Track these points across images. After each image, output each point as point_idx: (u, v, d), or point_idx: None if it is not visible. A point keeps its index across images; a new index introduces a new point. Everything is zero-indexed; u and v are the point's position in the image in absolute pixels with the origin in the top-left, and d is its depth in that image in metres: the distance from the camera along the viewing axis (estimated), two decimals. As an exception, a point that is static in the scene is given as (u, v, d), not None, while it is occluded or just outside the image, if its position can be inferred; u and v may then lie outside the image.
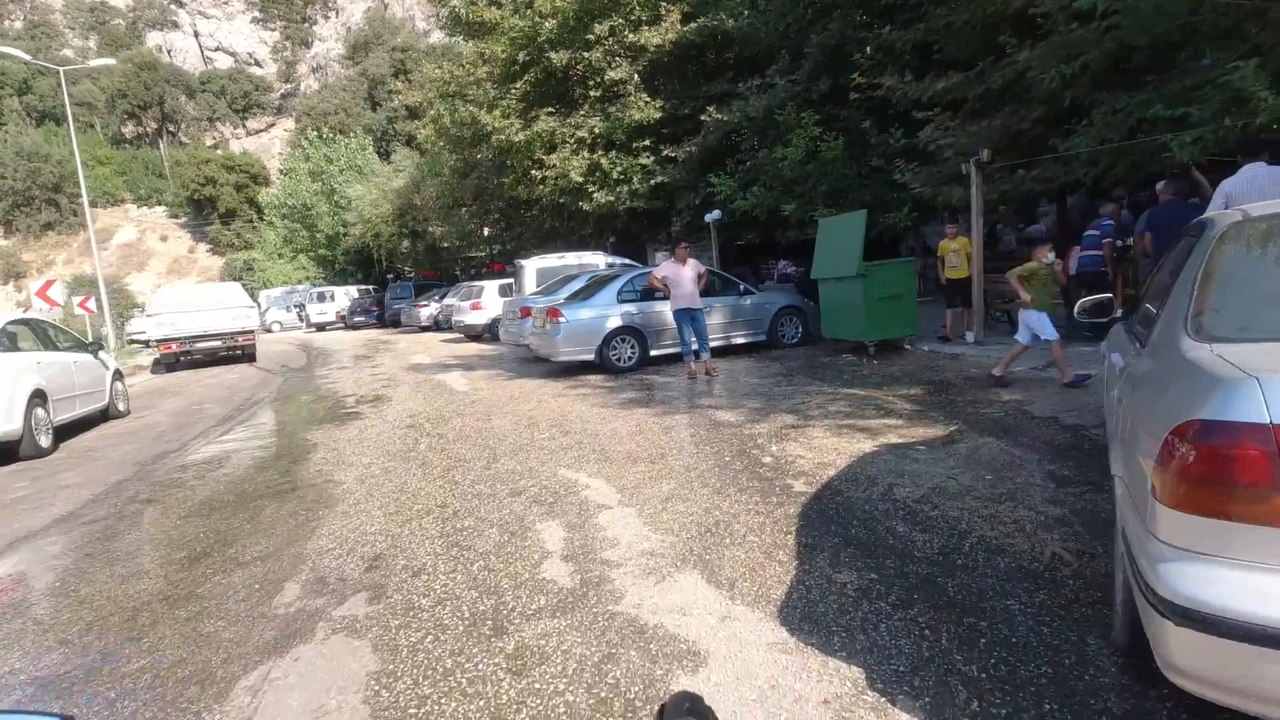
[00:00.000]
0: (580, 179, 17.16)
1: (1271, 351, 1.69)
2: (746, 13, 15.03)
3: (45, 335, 8.67)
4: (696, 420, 6.45)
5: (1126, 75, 8.60)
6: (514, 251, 23.73)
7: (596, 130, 17.01)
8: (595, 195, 17.22)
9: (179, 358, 17.58)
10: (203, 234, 62.74)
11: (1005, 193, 9.82)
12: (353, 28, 69.51)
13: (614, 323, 9.87)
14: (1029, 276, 6.36)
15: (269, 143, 70.99)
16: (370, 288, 37.53)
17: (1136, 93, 7.75)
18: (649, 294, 9.77)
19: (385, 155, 46.56)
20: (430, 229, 31.52)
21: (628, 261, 15.46)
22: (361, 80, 61.26)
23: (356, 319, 31.68)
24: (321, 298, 35.22)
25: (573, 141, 17.28)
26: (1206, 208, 7.25)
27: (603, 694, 2.37)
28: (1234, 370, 1.59)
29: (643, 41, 15.99)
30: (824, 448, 5.07)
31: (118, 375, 10.30)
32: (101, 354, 10.04)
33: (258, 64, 76.29)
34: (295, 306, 38.71)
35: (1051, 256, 6.22)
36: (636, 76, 16.86)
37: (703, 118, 15.14)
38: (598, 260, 15.16)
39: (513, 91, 18.15)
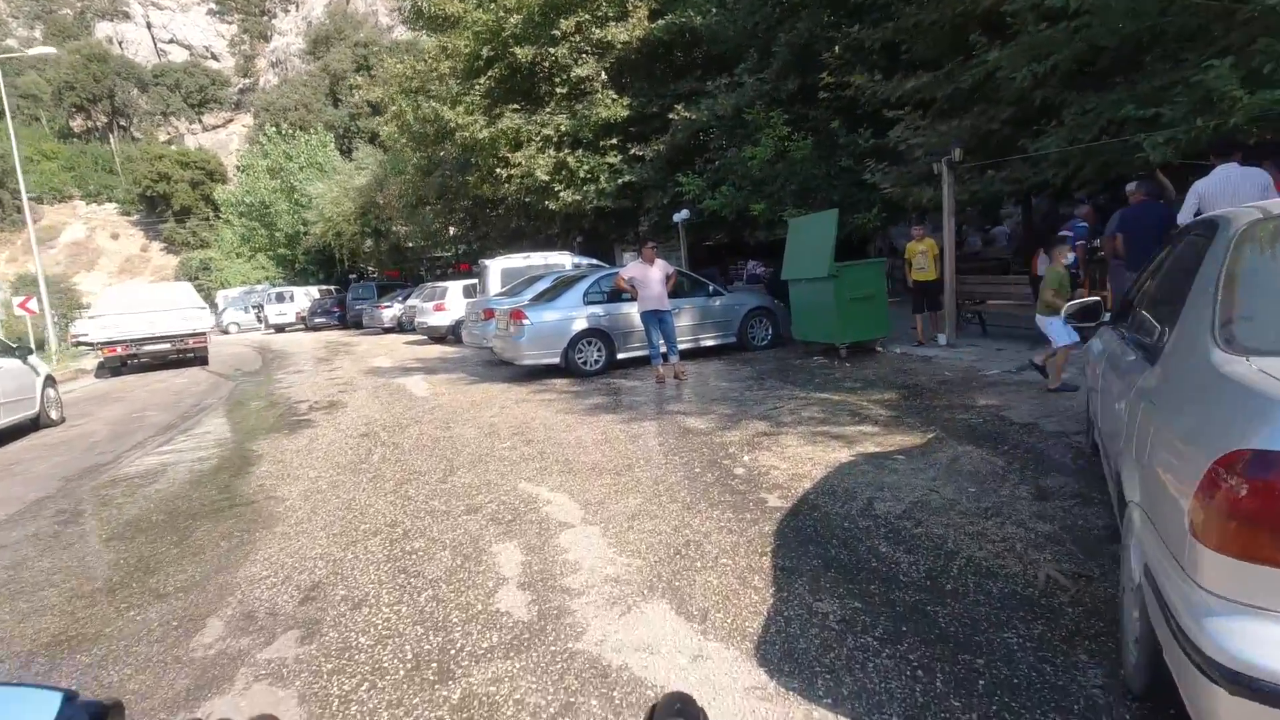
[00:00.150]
0: (546, 178, 16.81)
1: (1322, 366, 1.48)
2: (714, 10, 14.84)
3: (-36, 339, 8.06)
4: (665, 428, 6.18)
5: (1094, 77, 8.59)
6: (480, 251, 23.26)
7: (563, 128, 16.67)
8: (562, 194, 16.88)
9: (125, 361, 16.79)
10: (156, 232, 60.72)
11: (975, 193, 9.75)
12: (314, 22, 67.93)
13: (580, 325, 9.56)
14: (1059, 286, 6.08)
15: (226, 139, 69.05)
16: (332, 288, 36.60)
17: (1106, 93, 7.71)
18: (616, 295, 9.49)
19: (347, 152, 45.50)
20: (394, 228, 30.86)
21: (595, 262, 15.15)
22: (323, 76, 59.87)
23: (317, 320, 30.85)
24: (280, 298, 34.19)
25: (539, 139, 16.91)
26: (1173, 209, 7.24)
27: (559, 754, 2.08)
28: (1288, 390, 1.37)
29: (610, 38, 15.70)
30: (798, 458, 4.84)
31: (50, 381, 9.67)
32: (31, 358, 9.42)
33: (214, 58, 74.14)
34: (253, 307, 37.55)
35: (1071, 257, 5.97)
36: (604, 74, 16.56)
37: (671, 116, 14.90)
38: (564, 260, 14.82)
39: (477, 87, 17.71)
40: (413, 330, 19.66)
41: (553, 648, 2.67)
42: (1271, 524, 1.30)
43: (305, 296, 34.07)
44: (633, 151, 16.08)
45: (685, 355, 9.64)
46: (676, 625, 2.76)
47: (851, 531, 3.49)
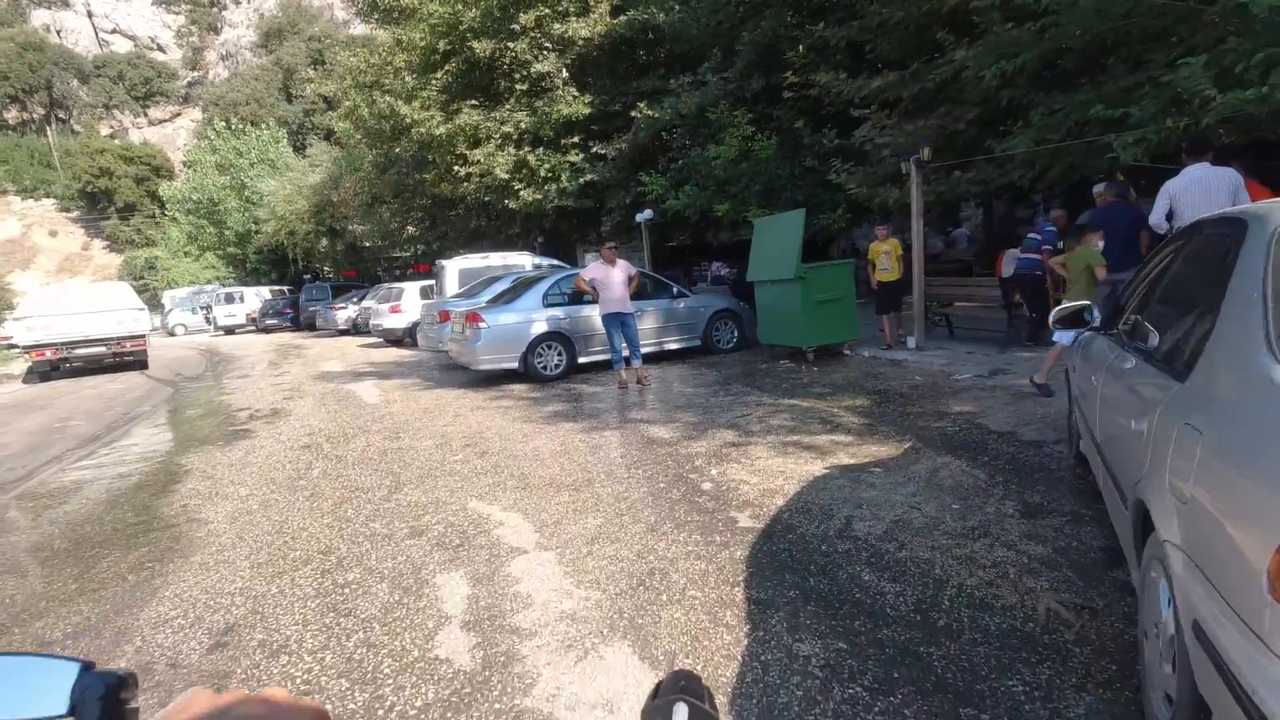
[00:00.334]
0: (506, 176, 16.36)
1: None
2: (677, 7, 14.58)
3: None
4: (628, 437, 5.85)
5: (1058, 78, 8.54)
6: (439, 251, 22.65)
7: (523, 125, 16.24)
8: (522, 193, 16.45)
9: (57, 366, 15.81)
10: (98, 229, 58.18)
11: (941, 194, 9.65)
12: (266, 14, 65.86)
13: (539, 328, 9.17)
14: (1080, 261, 5.68)
15: (173, 133, 66.56)
16: (285, 288, 35.42)
17: (1073, 94, 7.63)
18: (577, 297, 9.13)
19: (301, 149, 44.13)
20: (350, 227, 29.95)
21: (556, 262, 14.77)
22: (275, 70, 58.06)
23: (269, 322, 29.80)
24: (230, 299, 32.97)
25: (498, 137, 16.45)
26: (1142, 210, 7.18)
27: None
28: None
29: (570, 33, 15.33)
30: (769, 470, 4.55)
31: (-38, 389, 8.91)
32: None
33: (160, 49, 71.40)
34: (202, 308, 36.12)
35: (1101, 244, 5.66)
36: (565, 70, 16.17)
37: (633, 115, 14.60)
38: (524, 261, 14.39)
39: (433, 82, 17.17)
40: (368, 333, 18.98)
41: (497, 705, 2.32)
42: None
43: (256, 297, 32.90)
44: (595, 150, 15.73)
45: (649, 359, 9.33)
46: (640, 674, 2.43)
47: (830, 556, 3.21)
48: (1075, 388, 3.76)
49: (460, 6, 15.90)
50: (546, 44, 16.08)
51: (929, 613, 2.64)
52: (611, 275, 8.03)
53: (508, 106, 16.59)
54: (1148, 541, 1.96)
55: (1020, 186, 9.06)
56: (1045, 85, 8.45)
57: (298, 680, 2.57)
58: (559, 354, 9.30)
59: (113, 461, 6.70)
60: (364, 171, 24.45)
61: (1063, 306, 3.45)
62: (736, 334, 10.45)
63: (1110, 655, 2.27)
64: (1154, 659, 1.85)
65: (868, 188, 10.51)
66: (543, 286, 9.54)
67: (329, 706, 2.38)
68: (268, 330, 29.41)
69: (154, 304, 48.03)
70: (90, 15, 69.49)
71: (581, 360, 9.43)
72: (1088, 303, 3.41)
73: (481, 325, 9.01)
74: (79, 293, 17.26)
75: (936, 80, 8.81)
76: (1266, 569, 1.19)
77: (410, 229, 26.29)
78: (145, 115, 68.37)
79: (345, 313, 22.71)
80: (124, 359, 16.28)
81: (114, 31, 70.37)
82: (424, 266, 26.52)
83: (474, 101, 16.79)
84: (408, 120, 16.99)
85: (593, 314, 8.88)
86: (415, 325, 15.59)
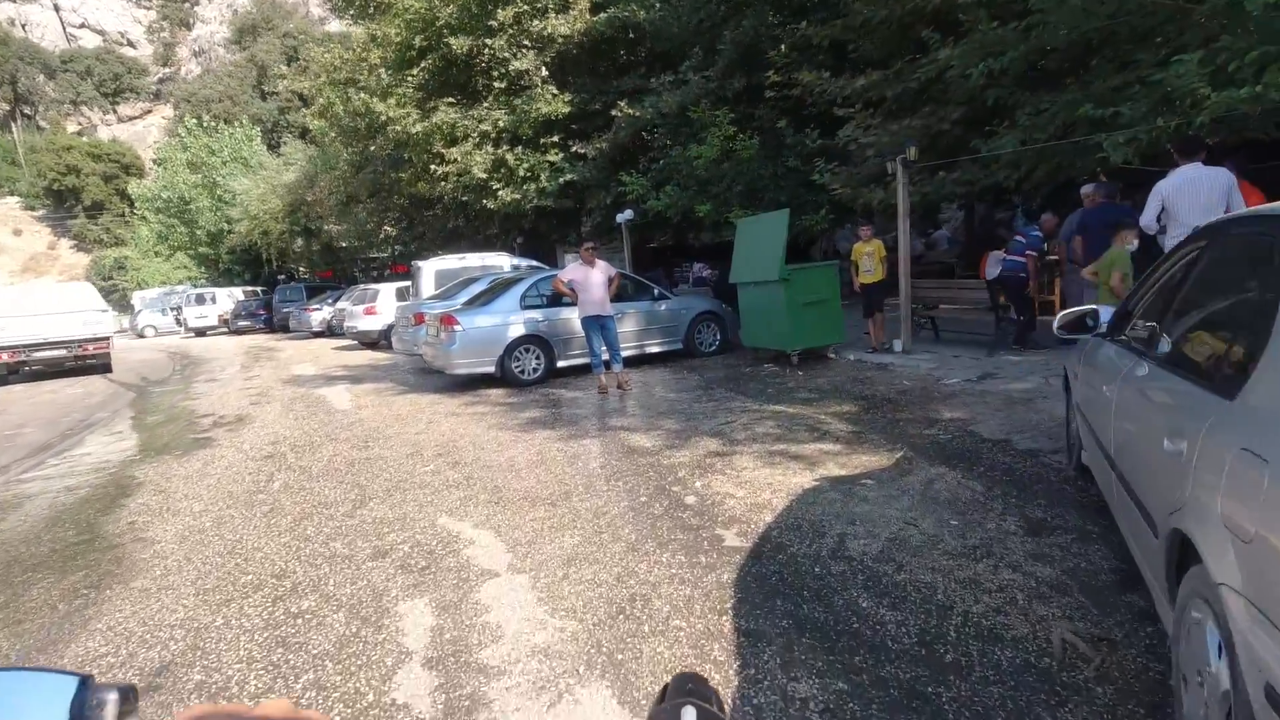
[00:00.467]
0: (484, 175, 16.03)
1: None
2: (658, 5, 14.37)
3: None
4: (607, 446, 5.61)
5: (1043, 77, 8.44)
6: (416, 252, 22.22)
7: (501, 124, 15.91)
8: (500, 193, 16.13)
9: (15, 369, 15.20)
10: (65, 228, 56.79)
11: (926, 194, 9.51)
12: (239, 10, 64.74)
13: (516, 331, 8.89)
14: (1110, 265, 5.31)
15: (144, 131, 65.15)
16: (258, 289, 34.73)
17: (1060, 93, 7.52)
18: (556, 299, 8.87)
19: (275, 147, 43.34)
20: (326, 227, 29.37)
21: (535, 263, 14.46)
22: (249, 67, 57.04)
23: (241, 323, 29.15)
24: (201, 300, 32.20)
25: (476, 135, 16.11)
26: (1119, 212, 7.07)
27: None
28: None
29: (550, 30, 15.05)
30: (756, 483, 4.33)
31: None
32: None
33: (131, 45, 69.88)
34: (172, 309, 35.27)
35: (1135, 242, 5.44)
36: (544, 68, 15.89)
37: (614, 114, 14.36)
38: (502, 262, 14.07)
39: (409, 79, 16.79)
40: (343, 335, 18.55)
41: (459, 760, 2.07)
42: None
43: (228, 298, 32.18)
44: (574, 149, 15.47)
45: (629, 362, 9.09)
46: (619, 721, 2.19)
47: (824, 580, 2.99)
48: (1078, 396, 3.57)
49: (437, 2, 15.56)
50: (525, 41, 15.78)
51: (934, 645, 2.42)
52: (590, 277, 7.78)
53: (486, 104, 16.27)
54: (1186, 577, 1.75)
55: (1006, 187, 8.94)
56: (1031, 85, 8.35)
57: (236, 730, 2.29)
58: (537, 358, 9.03)
59: (62, 473, 6.32)
60: (339, 170, 23.97)
61: (1067, 311, 3.27)
62: (719, 337, 10.25)
63: (1137, 697, 2.07)
64: (1197, 711, 1.65)
65: (851, 188, 10.37)
66: (520, 288, 9.26)
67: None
68: (240, 332, 28.80)
69: (123, 305, 47.13)
70: (57, 9, 67.84)
71: (560, 364, 9.17)
72: (1094, 307, 3.23)
73: (456, 328, 8.72)
74: (40, 293, 16.64)
75: (921, 79, 8.67)
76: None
77: (387, 229, 25.83)
78: (115, 112, 66.88)
79: (320, 314, 22.23)
80: (86, 362, 15.74)
81: (82, 26, 68.76)
82: (402, 267, 26.04)
83: (451, 99, 16.44)
84: (383, 118, 16.60)
85: (572, 316, 8.62)
86: (390, 327, 15.21)
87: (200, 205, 38.16)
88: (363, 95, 17.49)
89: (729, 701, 2.23)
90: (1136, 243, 5.15)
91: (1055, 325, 3.29)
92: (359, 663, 2.66)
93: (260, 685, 2.55)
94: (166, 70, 68.93)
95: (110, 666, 2.78)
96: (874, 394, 6.57)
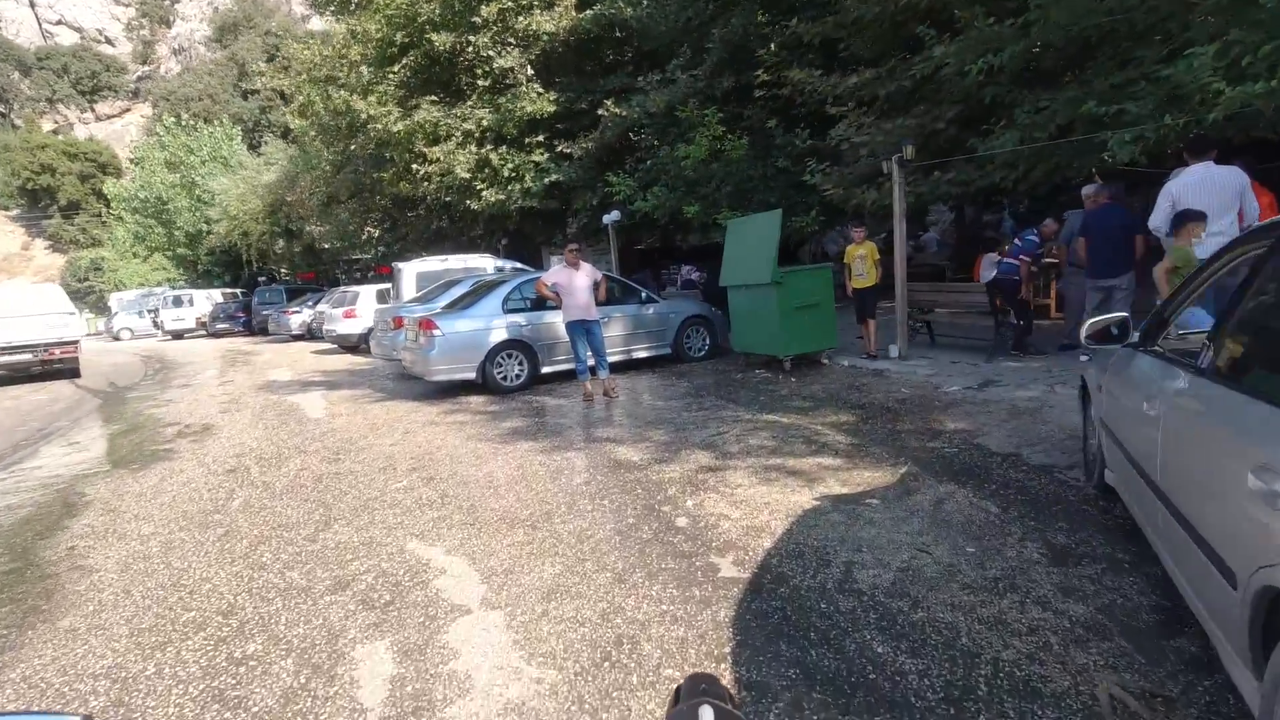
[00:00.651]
0: (467, 175, 15.65)
1: None
2: (645, 2, 14.09)
3: None
4: (593, 459, 5.28)
5: (1039, 75, 8.23)
6: (399, 253, 21.79)
7: (485, 123, 15.54)
8: (484, 194, 15.76)
9: (-24, 375, 14.65)
10: (40, 229, 55.64)
11: (921, 195, 9.26)
12: (220, 7, 63.83)
13: (499, 336, 8.55)
14: (1181, 267, 5.06)
15: (123, 130, 63.97)
16: (237, 291, 34.08)
17: (1060, 91, 7.29)
18: (540, 303, 8.52)
19: (256, 147, 42.65)
20: (308, 228, 28.82)
21: (519, 265, 14.11)
22: (230, 65, 56.17)
23: (219, 326, 28.56)
24: (178, 302, 31.53)
25: (459, 134, 15.73)
26: (1124, 214, 6.85)
27: None
28: None
29: (535, 27, 14.71)
30: (752, 502, 4.03)
31: None
32: None
33: (109, 42, 68.68)
34: (149, 312, 34.50)
35: (1204, 239, 5.12)
36: (529, 67, 15.55)
37: (600, 113, 14.05)
38: (485, 264, 13.70)
39: (390, 77, 16.39)
40: (323, 338, 18.09)
41: None
42: None
43: (207, 300, 31.53)
44: (560, 149, 15.13)
45: (616, 368, 8.77)
46: (604, 802, 1.87)
47: (833, 619, 2.68)
48: (1101, 410, 3.29)
49: (418, -3, 15.19)
50: (509, 38, 15.45)
51: (964, 702, 2.12)
52: (575, 280, 7.46)
53: (469, 103, 15.90)
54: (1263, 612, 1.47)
55: (1003, 188, 8.70)
56: (1029, 83, 8.13)
57: (152, 814, 1.95)
58: (520, 364, 8.68)
59: (5, 489, 5.90)
60: (320, 170, 23.48)
61: (1096, 319, 2.99)
62: (709, 341, 9.95)
63: (1208, 773, 1.77)
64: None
65: (843, 189, 10.11)
66: (503, 291, 8.91)
67: None
68: (218, 335, 28.20)
69: (100, 307, 46.17)
70: (33, 5, 66.58)
71: (544, 370, 8.83)
72: (1125, 315, 2.95)
73: (436, 333, 8.36)
74: (4, 296, 16.05)
75: (916, 76, 8.43)
76: None
77: (370, 230, 25.37)
78: (92, 110, 65.68)
79: (299, 317, 21.75)
80: (53, 367, 15.19)
81: (59, 23, 67.51)
82: (386, 269, 25.55)
83: (433, 97, 16.05)
84: (363, 116, 16.18)
85: (556, 321, 8.29)
86: (370, 331, 14.81)
87: (178, 205, 37.42)
88: (343, 93, 17.07)
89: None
90: (1205, 235, 4.78)
91: (1083, 334, 3.00)
92: (305, 723, 2.32)
93: (188, 752, 2.21)
94: (146, 68, 67.81)
95: (19, 728, 2.42)
96: (872, 402, 6.29)
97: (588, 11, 14.68)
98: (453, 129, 15.71)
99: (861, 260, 8.32)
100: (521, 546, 3.68)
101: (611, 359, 8.39)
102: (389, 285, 16.05)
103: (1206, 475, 1.91)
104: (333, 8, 19.04)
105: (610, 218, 13.78)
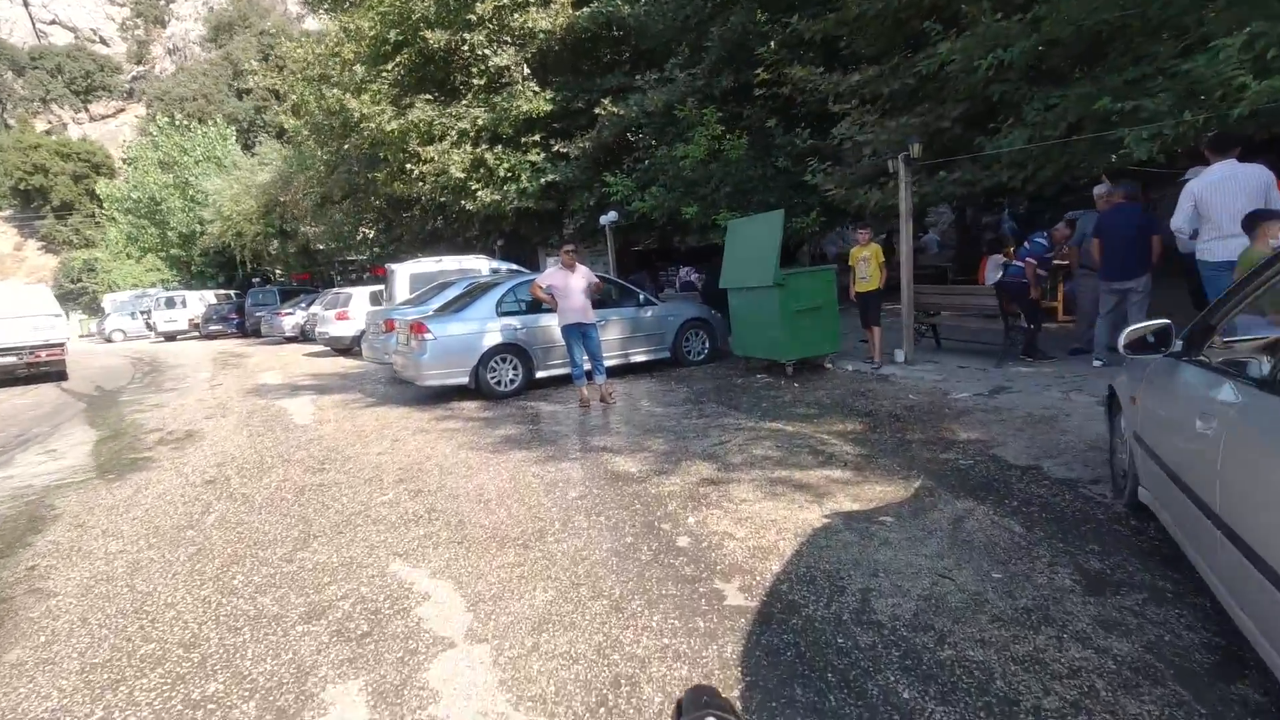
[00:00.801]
0: (462, 175, 15.40)
1: None
2: (643, 0, 13.85)
3: None
4: (589, 470, 5.04)
5: (1047, 72, 8.02)
6: (395, 254, 21.53)
7: (480, 122, 15.29)
8: (479, 194, 15.51)
9: (-41, 378, 14.36)
10: (33, 229, 55.22)
11: (924, 195, 9.03)
12: (215, 7, 63.48)
13: (492, 339, 8.30)
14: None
15: (117, 130, 63.53)
16: (231, 292, 33.76)
17: (1071, 88, 7.06)
18: (535, 305, 8.27)
19: (251, 147, 42.34)
20: (302, 229, 28.54)
21: (514, 267, 13.87)
22: (225, 65, 55.82)
23: (212, 328, 28.30)
24: (171, 303, 31.20)
25: (454, 134, 15.47)
26: (1140, 214, 6.63)
27: None
28: None
29: (531, 24, 14.47)
30: (758, 519, 3.78)
31: None
32: None
33: (104, 42, 68.27)
34: (142, 313, 34.17)
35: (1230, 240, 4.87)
36: (525, 65, 15.31)
37: (597, 112, 13.82)
38: (480, 265, 13.46)
39: (384, 75, 16.13)
40: (316, 340, 17.82)
41: None
42: None
43: (200, 301, 31.22)
44: (557, 149, 14.89)
45: (613, 372, 8.55)
46: None
47: (851, 656, 2.44)
48: (1136, 423, 3.06)
49: (413, -6, 14.94)
50: (505, 36, 15.22)
51: (1005, 762, 1.88)
52: (570, 282, 7.21)
53: (464, 102, 15.65)
54: None
55: (1011, 188, 8.48)
56: (1038, 80, 7.92)
57: None
58: (514, 368, 8.43)
59: (-26, 501, 5.63)
60: (314, 170, 23.19)
61: (1135, 327, 2.75)
62: (708, 345, 9.71)
63: None
64: None
65: (845, 189, 9.89)
66: (497, 293, 8.66)
67: None
68: (211, 337, 27.95)
69: (93, 308, 45.78)
70: (26, 4, 66.15)
71: (539, 375, 8.58)
72: (1167, 322, 2.71)
73: (427, 336, 8.10)
74: (-11, 297, 15.75)
75: (921, 73, 8.20)
76: None
77: (365, 231, 25.10)
78: (86, 110, 65.25)
79: (292, 319, 21.46)
80: (40, 370, 14.90)
81: (53, 23, 67.08)
82: (381, 270, 25.30)
83: (428, 96, 15.80)
84: (357, 115, 15.92)
85: (552, 323, 8.04)
86: (363, 333, 14.55)
87: (171, 206, 37.09)
88: (336, 92, 16.81)
89: None
90: (1229, 241, 4.52)
91: (1121, 344, 2.77)
92: (263, 781, 2.07)
93: (130, 817, 1.95)
94: (140, 68, 67.40)
95: (-55, 784, 2.17)
96: (879, 410, 6.05)
97: (584, 9, 14.46)
98: (447, 128, 15.46)
99: (865, 263, 8.05)
100: (512, 568, 3.44)
101: (609, 363, 8.16)
102: (383, 287, 15.81)
103: (1239, 482, 1.67)
104: (326, 4, 18.81)
105: (607, 219, 13.55)
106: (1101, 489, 3.75)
